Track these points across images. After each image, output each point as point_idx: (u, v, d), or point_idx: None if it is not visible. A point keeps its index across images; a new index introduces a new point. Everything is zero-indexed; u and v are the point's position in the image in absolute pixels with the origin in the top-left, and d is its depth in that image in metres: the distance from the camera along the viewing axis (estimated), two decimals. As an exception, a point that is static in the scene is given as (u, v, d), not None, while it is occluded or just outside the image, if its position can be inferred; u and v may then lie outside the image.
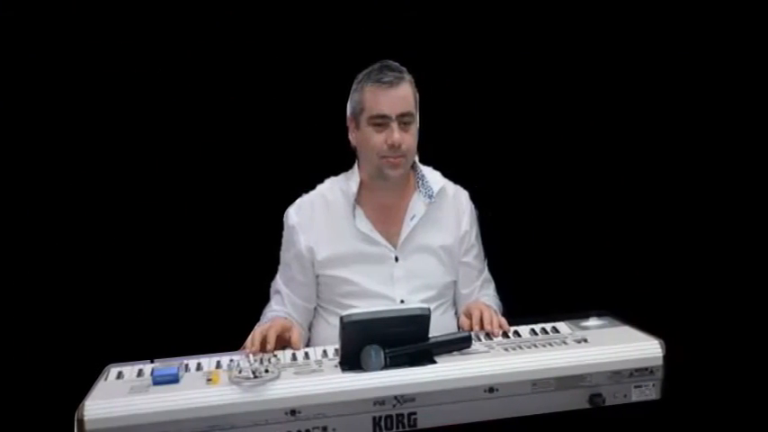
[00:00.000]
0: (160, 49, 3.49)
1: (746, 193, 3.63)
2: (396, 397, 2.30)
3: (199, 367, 2.49)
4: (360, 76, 3.01)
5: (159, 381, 2.31)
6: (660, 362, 2.47)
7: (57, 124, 3.46)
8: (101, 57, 3.45)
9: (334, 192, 3.14)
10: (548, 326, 2.73)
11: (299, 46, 3.59)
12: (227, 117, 3.59)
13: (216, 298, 3.54)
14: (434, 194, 3.10)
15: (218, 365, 2.50)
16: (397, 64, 2.98)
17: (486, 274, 3.31)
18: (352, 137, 3.07)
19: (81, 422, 2.17)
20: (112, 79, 3.48)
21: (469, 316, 2.85)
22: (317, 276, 3.09)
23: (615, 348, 2.48)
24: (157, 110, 3.52)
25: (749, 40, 3.58)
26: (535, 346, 2.54)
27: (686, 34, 3.64)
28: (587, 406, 2.43)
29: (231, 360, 2.51)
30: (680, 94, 3.68)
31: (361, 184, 3.07)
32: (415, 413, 2.32)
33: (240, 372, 2.30)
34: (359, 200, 3.07)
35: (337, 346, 2.47)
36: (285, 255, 3.15)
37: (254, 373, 2.29)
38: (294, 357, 2.56)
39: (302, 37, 3.59)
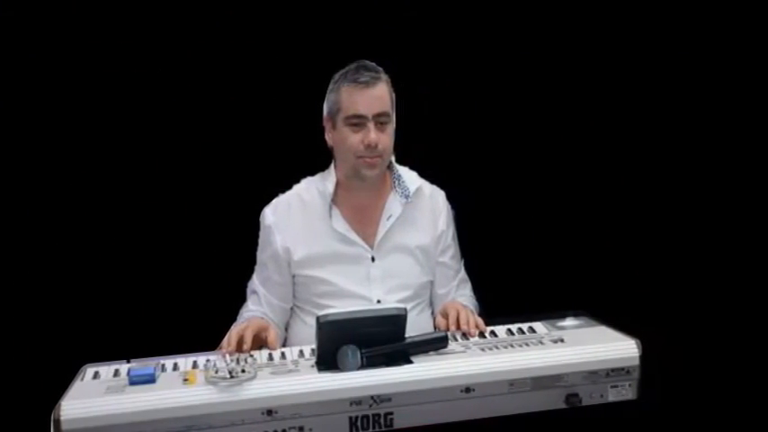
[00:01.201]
0: (137, 52, 3.48)
1: (721, 193, 3.65)
2: (372, 397, 2.30)
3: (175, 367, 2.48)
4: (336, 76, 3.01)
5: (136, 381, 2.31)
6: (636, 362, 2.48)
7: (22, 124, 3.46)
8: (78, 61, 3.46)
9: (311, 192, 3.13)
10: (524, 326, 2.74)
11: (275, 47, 3.58)
12: (204, 117, 3.58)
13: (192, 298, 3.53)
14: (411, 194, 3.10)
15: (195, 365, 2.49)
16: (373, 64, 2.98)
17: (463, 274, 3.31)
18: (328, 137, 3.07)
19: (57, 422, 2.16)
20: (84, 81, 3.47)
21: (446, 316, 2.86)
22: (294, 276, 3.09)
23: (592, 348, 2.49)
24: (133, 110, 3.52)
25: (748, 40, 3.60)
26: (512, 346, 2.54)
27: (664, 34, 3.66)
28: (564, 406, 2.44)
29: (208, 360, 2.51)
30: (653, 94, 3.70)
31: (338, 184, 3.07)
32: (391, 413, 2.32)
33: (217, 372, 2.29)
34: (335, 200, 3.07)
35: (314, 346, 2.46)
36: (261, 255, 3.14)
37: (230, 373, 2.28)
38: (271, 357, 2.56)
39: (278, 38, 3.58)
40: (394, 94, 3.02)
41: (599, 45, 3.68)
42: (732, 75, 3.62)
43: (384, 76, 2.98)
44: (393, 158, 3.12)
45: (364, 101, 2.90)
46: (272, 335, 2.76)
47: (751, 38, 3.59)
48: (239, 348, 2.61)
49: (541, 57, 3.73)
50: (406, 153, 3.18)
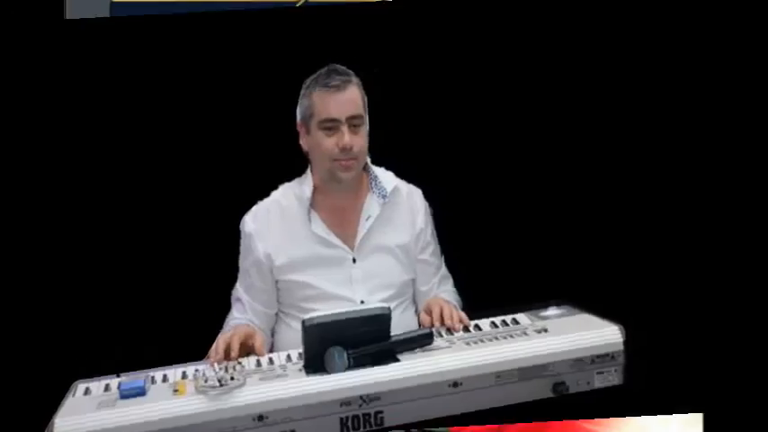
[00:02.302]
0: (120, 54, 3.49)
1: (699, 182, 3.66)
2: (361, 397, 2.32)
3: (165, 379, 2.49)
4: (307, 82, 3.02)
5: (126, 394, 2.31)
6: (621, 347, 2.51)
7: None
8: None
9: (289, 197, 3.14)
10: (508, 318, 2.76)
11: (248, 54, 3.59)
12: (180, 127, 3.57)
13: (178, 309, 3.52)
14: (388, 194, 3.11)
15: (184, 376, 2.50)
16: (344, 68, 3.00)
17: (444, 270, 3.33)
18: (303, 142, 3.08)
19: (52, 439, 2.18)
20: (65, 85, 3.48)
21: (429, 312, 2.87)
22: (277, 282, 3.09)
23: (576, 336, 2.51)
24: (110, 118, 3.51)
25: (747, 40, 3.62)
26: (496, 338, 2.56)
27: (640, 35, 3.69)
28: (551, 395, 2.47)
29: (196, 370, 2.52)
30: (624, 88, 3.71)
31: (315, 188, 3.08)
32: (381, 412, 2.34)
33: (206, 381, 2.30)
34: (313, 204, 3.08)
35: (301, 350, 2.47)
36: (244, 262, 3.15)
37: (219, 381, 2.29)
38: (259, 363, 2.57)
39: (251, 44, 3.59)
40: (366, 97, 3.04)
41: (575, 42, 3.69)
42: (712, 77, 3.65)
43: (355, 79, 3.00)
44: (368, 160, 3.13)
45: (336, 104, 2.92)
46: (259, 341, 2.76)
47: (751, 38, 3.61)
48: (227, 356, 2.61)
49: (516, 53, 3.73)
50: (382, 154, 3.19)
